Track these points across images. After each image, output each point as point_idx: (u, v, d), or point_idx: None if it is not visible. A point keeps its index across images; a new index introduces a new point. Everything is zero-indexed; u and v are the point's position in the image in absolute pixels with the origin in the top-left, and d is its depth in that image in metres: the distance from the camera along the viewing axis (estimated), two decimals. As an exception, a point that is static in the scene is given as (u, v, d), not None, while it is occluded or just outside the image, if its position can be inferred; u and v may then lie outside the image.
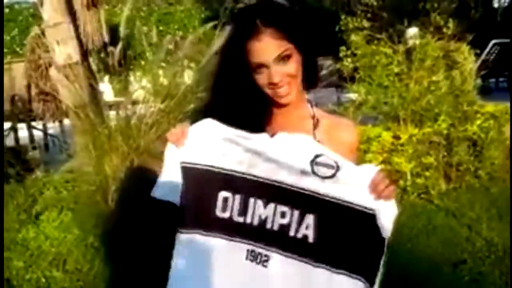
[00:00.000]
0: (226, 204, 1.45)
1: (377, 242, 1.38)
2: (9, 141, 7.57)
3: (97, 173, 4.39)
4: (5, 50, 13.61)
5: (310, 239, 1.40)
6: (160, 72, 5.00)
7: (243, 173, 1.43)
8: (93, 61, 6.01)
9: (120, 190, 4.23)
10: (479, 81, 6.02)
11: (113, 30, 6.11)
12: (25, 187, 5.01)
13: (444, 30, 5.82)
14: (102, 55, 6.26)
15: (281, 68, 1.44)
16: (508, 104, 5.78)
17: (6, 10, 14.66)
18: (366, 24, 6.09)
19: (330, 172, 1.37)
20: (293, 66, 1.45)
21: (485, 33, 10.95)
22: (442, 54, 5.74)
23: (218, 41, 4.77)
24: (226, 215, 1.44)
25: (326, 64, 6.38)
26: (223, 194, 1.45)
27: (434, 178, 5.26)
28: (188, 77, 5.08)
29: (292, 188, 1.40)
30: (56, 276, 3.89)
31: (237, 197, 1.44)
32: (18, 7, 15.33)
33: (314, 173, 1.38)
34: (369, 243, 1.38)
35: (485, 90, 7.54)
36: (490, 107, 5.72)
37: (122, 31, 5.13)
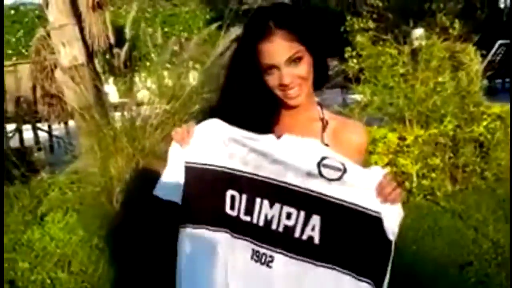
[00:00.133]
0: (234, 203, 1.45)
1: (383, 245, 1.37)
2: (14, 143, 7.58)
3: (102, 174, 4.39)
4: (10, 52, 13.68)
5: (316, 240, 1.39)
6: (165, 73, 5.00)
7: (249, 173, 1.44)
8: (98, 63, 6.02)
9: (125, 191, 4.22)
10: (485, 82, 5.98)
11: (118, 32, 6.12)
12: (30, 188, 5.02)
13: (450, 31, 5.80)
14: (107, 56, 6.26)
15: (292, 70, 1.43)
16: (514, 105, 5.75)
17: (12, 12, 14.73)
18: (371, 25, 6.08)
19: (337, 174, 1.37)
20: (304, 68, 1.45)
21: (491, 33, 10.91)
22: (448, 55, 5.72)
23: (223, 42, 4.77)
24: (234, 213, 1.45)
25: (332, 65, 6.37)
26: (230, 192, 1.46)
27: (440, 180, 5.25)
28: (193, 78, 5.07)
29: (298, 190, 1.40)
30: (61, 277, 3.89)
31: (244, 196, 1.44)
32: (23, 9, 15.37)
33: (321, 175, 1.38)
34: (375, 246, 1.37)
35: (491, 91, 7.50)
36: (497, 108, 5.70)
37: (128, 32, 5.13)
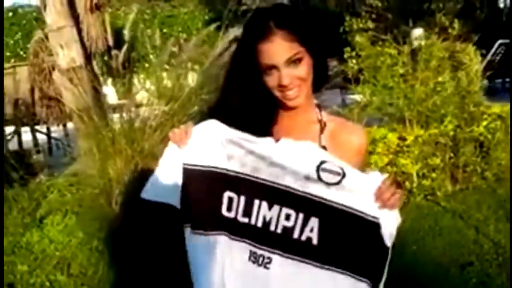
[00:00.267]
0: (231, 204, 1.45)
1: (380, 250, 1.37)
2: (13, 145, 7.56)
3: (101, 176, 4.38)
4: (8, 54, 13.67)
5: (314, 241, 1.39)
6: (164, 74, 4.98)
7: (247, 175, 1.43)
8: (96, 64, 6.00)
9: (124, 193, 4.21)
10: (485, 82, 5.96)
11: (117, 33, 6.11)
12: (29, 191, 5.00)
13: (450, 30, 5.79)
14: (106, 58, 6.25)
15: (291, 71, 1.42)
16: (514, 105, 5.74)
17: (10, 14, 14.71)
18: (370, 25, 6.07)
19: (335, 178, 1.36)
20: (304, 69, 1.44)
21: (490, 33, 10.90)
22: (448, 55, 5.71)
23: (222, 43, 4.76)
24: (231, 215, 1.45)
25: (331, 66, 6.35)
26: (228, 194, 1.45)
27: (441, 180, 5.24)
28: (192, 79, 5.06)
29: (297, 193, 1.39)
30: (60, 280, 3.88)
31: (242, 198, 1.44)
32: (21, 11, 15.34)
33: (319, 179, 1.37)
34: (372, 250, 1.37)
35: (491, 91, 7.49)
36: (497, 108, 5.69)
37: (127, 34, 5.11)
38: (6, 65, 9.28)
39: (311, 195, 1.38)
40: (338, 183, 1.36)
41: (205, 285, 1.48)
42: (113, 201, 4.29)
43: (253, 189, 1.42)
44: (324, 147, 1.47)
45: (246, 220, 1.43)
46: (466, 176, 5.37)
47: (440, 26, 5.91)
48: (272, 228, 1.41)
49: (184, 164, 1.46)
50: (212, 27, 5.71)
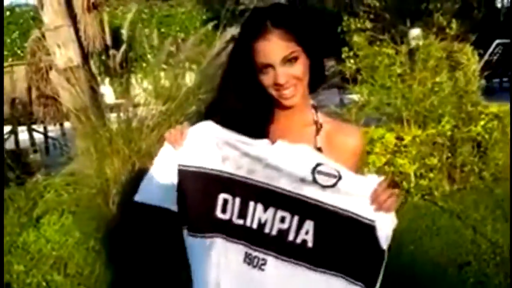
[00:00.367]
0: (226, 206, 1.44)
1: (375, 253, 1.36)
2: (10, 144, 7.53)
3: (98, 176, 4.37)
4: (6, 53, 13.62)
5: (309, 244, 1.39)
6: (162, 74, 4.97)
7: (242, 177, 1.42)
8: (94, 64, 5.99)
9: (122, 193, 4.20)
10: (483, 81, 5.97)
11: (114, 33, 6.10)
12: (26, 190, 4.99)
13: (447, 30, 5.79)
14: (103, 57, 6.24)
15: (287, 70, 1.41)
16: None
17: (7, 13, 14.66)
18: (368, 25, 6.07)
19: (331, 181, 1.36)
20: (300, 68, 1.43)
21: (488, 33, 10.92)
22: (445, 55, 5.72)
23: (220, 43, 4.75)
24: (226, 216, 1.44)
25: (329, 65, 6.35)
26: (223, 196, 1.44)
27: (438, 180, 5.24)
28: (189, 79, 5.05)
29: (292, 195, 1.39)
30: (57, 280, 3.87)
31: (237, 200, 1.43)
32: (19, 10, 15.32)
33: (315, 181, 1.37)
34: (367, 253, 1.37)
35: (489, 90, 7.49)
36: (494, 107, 5.70)
37: (125, 33, 5.10)
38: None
39: (306, 197, 1.37)
40: (333, 185, 1.36)
41: (202, 285, 1.47)
42: (110, 201, 4.28)
43: (248, 191, 1.42)
44: (319, 149, 1.46)
45: (241, 222, 1.42)
46: (463, 176, 5.38)
47: (437, 26, 5.91)
48: (267, 230, 1.40)
49: (179, 165, 1.46)
50: (210, 26, 5.70)
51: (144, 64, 6.26)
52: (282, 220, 1.39)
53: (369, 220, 1.35)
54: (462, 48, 5.87)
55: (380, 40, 5.79)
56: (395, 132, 5.21)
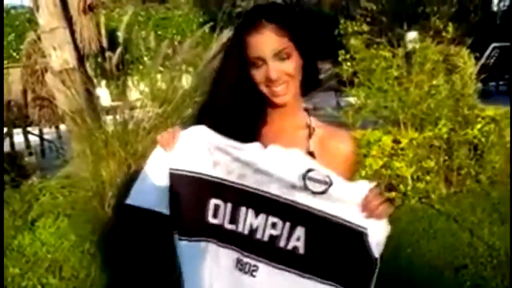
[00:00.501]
0: (217, 211, 1.43)
1: (367, 261, 1.34)
2: (5, 147, 7.50)
3: (94, 179, 4.35)
4: (1, 55, 13.59)
5: (300, 250, 1.38)
6: (158, 76, 4.96)
7: (233, 182, 1.41)
8: (90, 66, 5.97)
9: (117, 196, 4.18)
10: (479, 85, 5.98)
11: (110, 35, 6.08)
12: (21, 193, 4.97)
13: (444, 34, 5.80)
14: (99, 60, 6.22)
15: (279, 65, 1.41)
16: (508, 108, 5.75)
17: (3, 15, 14.65)
18: (365, 28, 6.08)
19: (322, 187, 1.34)
20: (292, 65, 1.42)
21: (484, 36, 10.95)
22: (442, 58, 5.73)
23: (216, 45, 4.74)
24: (217, 222, 1.43)
25: (325, 68, 6.35)
26: (214, 201, 1.43)
27: (435, 183, 5.24)
28: (186, 81, 5.04)
29: (283, 201, 1.37)
30: (52, 283, 3.85)
31: (229, 205, 1.42)
32: (14, 12, 15.30)
33: (305, 187, 1.35)
34: (358, 261, 1.35)
35: (485, 94, 7.52)
36: (491, 111, 5.71)
37: (121, 36, 5.09)
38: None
39: (297, 203, 1.36)
40: (324, 192, 1.34)
41: None
42: (106, 204, 4.26)
43: (239, 196, 1.40)
44: (312, 153, 1.45)
45: (232, 227, 1.41)
46: (460, 179, 5.38)
47: (434, 29, 5.92)
48: (259, 236, 1.39)
49: (171, 169, 1.44)
50: (207, 28, 5.69)
51: (140, 67, 6.25)
52: (274, 226, 1.38)
53: (361, 227, 1.33)
54: (458, 52, 5.88)
55: (377, 43, 5.79)
56: (392, 135, 5.21)
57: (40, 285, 3.83)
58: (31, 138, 8.48)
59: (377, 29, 6.65)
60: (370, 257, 1.33)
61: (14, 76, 8.08)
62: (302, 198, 1.35)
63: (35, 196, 4.89)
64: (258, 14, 1.42)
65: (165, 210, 1.47)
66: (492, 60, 12.07)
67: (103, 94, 5.94)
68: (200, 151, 1.43)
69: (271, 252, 1.39)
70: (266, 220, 1.39)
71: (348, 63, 5.84)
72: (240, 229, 1.40)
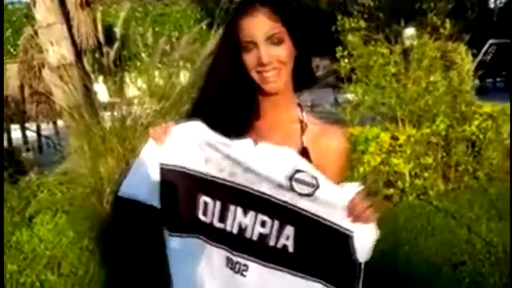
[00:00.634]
0: (207, 209, 1.41)
1: (350, 264, 1.34)
2: (2, 143, 7.49)
3: (92, 175, 4.34)
4: (-1, 51, 13.55)
5: (290, 249, 1.37)
6: (156, 73, 4.95)
7: (223, 180, 1.40)
8: (87, 62, 5.95)
9: (116, 192, 4.18)
10: (476, 81, 5.98)
11: (107, 31, 6.06)
12: (19, 189, 4.96)
13: (441, 30, 5.80)
14: (97, 55, 6.20)
15: (271, 50, 1.39)
16: (506, 105, 5.77)
17: (0, 11, 14.60)
18: (362, 24, 6.07)
19: (308, 190, 1.33)
20: (284, 52, 1.41)
21: (481, 33, 10.95)
22: (440, 55, 5.72)
23: (214, 42, 4.73)
24: (207, 220, 1.41)
25: (323, 65, 6.35)
26: (203, 198, 1.42)
27: (433, 179, 5.25)
28: (183, 77, 5.03)
29: (273, 200, 1.36)
30: (51, 280, 3.84)
31: (218, 203, 1.41)
32: (11, 8, 15.27)
33: (292, 189, 1.34)
34: (343, 263, 1.34)
35: (482, 90, 7.52)
36: (488, 107, 5.72)
37: (119, 31, 5.07)
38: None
39: (287, 203, 1.35)
40: (311, 194, 1.33)
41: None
42: (104, 200, 4.26)
43: (229, 194, 1.39)
44: (305, 148, 1.44)
45: (222, 225, 1.40)
46: (458, 175, 5.39)
47: (431, 26, 5.92)
48: (248, 235, 1.38)
49: (161, 163, 1.43)
50: (204, 25, 5.68)
51: (138, 63, 6.24)
52: (263, 224, 1.37)
53: (348, 230, 1.32)
54: (456, 48, 5.88)
55: (375, 39, 5.79)
56: (390, 132, 5.21)
57: (38, 281, 3.82)
58: (29, 134, 8.46)
59: (375, 25, 6.64)
60: (354, 261, 1.33)
61: (11, 72, 8.06)
62: (291, 199, 1.34)
63: (33, 193, 4.88)
64: (253, 0, 1.41)
65: (156, 204, 1.46)
66: (489, 57, 12.09)
67: (101, 91, 5.93)
68: (191, 147, 1.42)
69: (261, 251, 1.38)
70: (255, 218, 1.38)
71: (346, 60, 5.83)
72: (229, 227, 1.39)
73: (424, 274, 3.68)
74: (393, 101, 5.40)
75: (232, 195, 1.39)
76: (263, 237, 1.37)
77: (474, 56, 6.35)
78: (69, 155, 4.72)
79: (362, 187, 1.33)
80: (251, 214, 1.38)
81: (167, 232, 1.45)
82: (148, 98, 4.65)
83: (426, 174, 5.20)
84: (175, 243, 1.44)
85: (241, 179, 1.38)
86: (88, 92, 5.03)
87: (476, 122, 5.46)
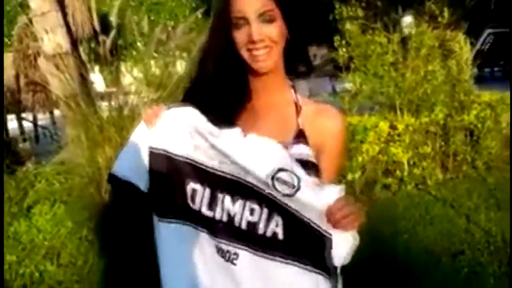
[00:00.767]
0: (195, 196, 1.39)
1: (327, 265, 1.33)
2: (-2, 133, 7.45)
3: (89, 165, 4.33)
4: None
5: (280, 236, 1.35)
6: (152, 62, 4.92)
7: (211, 168, 1.38)
8: (83, 51, 5.92)
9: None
10: (475, 70, 5.98)
11: (103, 19, 6.01)
12: (16, 179, 4.93)
13: (439, 19, 5.78)
14: (93, 44, 6.16)
15: (262, 28, 1.37)
16: (504, 94, 5.76)
17: (-6, 0, 14.48)
18: (360, 13, 6.04)
19: (289, 191, 1.32)
20: (276, 30, 1.39)
21: (478, 21, 10.92)
22: (438, 43, 5.71)
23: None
24: (195, 207, 1.39)
25: (321, 54, 6.33)
26: (192, 185, 1.39)
27: (431, 168, 5.26)
28: (180, 67, 5.00)
29: (260, 190, 1.35)
30: (50, 270, 3.83)
31: (207, 190, 1.39)
32: (5, -3, 15.15)
33: (274, 188, 1.33)
34: (323, 262, 1.34)
35: (480, 79, 7.52)
36: (487, 96, 5.72)
37: (114, 20, 5.03)
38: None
39: (273, 196, 1.34)
40: (291, 195, 1.32)
41: (172, 278, 1.44)
42: (103, 190, 4.25)
43: (217, 182, 1.37)
44: (301, 130, 1.43)
45: (210, 214, 1.38)
46: (456, 164, 5.39)
47: (429, 14, 5.90)
48: (237, 223, 1.36)
49: (150, 147, 1.42)
50: (199, 13, 5.64)
51: (134, 52, 6.20)
52: (252, 212, 1.36)
53: (327, 233, 1.32)
54: (454, 37, 5.86)
55: (373, 28, 5.76)
56: (388, 121, 5.21)
57: (37, 272, 3.81)
58: (25, 124, 8.43)
59: (372, 14, 6.60)
60: (331, 264, 1.33)
61: (6, 61, 7.99)
62: (276, 194, 1.33)
63: (30, 183, 4.86)
64: None
65: (143, 187, 1.43)
66: (487, 46, 12.09)
67: (97, 80, 5.90)
68: (181, 133, 1.39)
69: (251, 239, 1.36)
70: (244, 206, 1.36)
71: (344, 49, 5.81)
72: (218, 216, 1.37)
73: (423, 264, 3.68)
74: (392, 90, 5.39)
75: (220, 182, 1.37)
76: (252, 225, 1.36)
77: (472, 44, 6.33)
78: (66, 145, 4.70)
79: (343, 192, 1.31)
80: (240, 202, 1.36)
81: (156, 218, 1.43)
82: (145, 88, 4.63)
83: (424, 163, 5.20)
84: (164, 228, 1.42)
85: (230, 168, 1.36)
86: (85, 81, 5.00)
87: (474, 111, 5.46)
